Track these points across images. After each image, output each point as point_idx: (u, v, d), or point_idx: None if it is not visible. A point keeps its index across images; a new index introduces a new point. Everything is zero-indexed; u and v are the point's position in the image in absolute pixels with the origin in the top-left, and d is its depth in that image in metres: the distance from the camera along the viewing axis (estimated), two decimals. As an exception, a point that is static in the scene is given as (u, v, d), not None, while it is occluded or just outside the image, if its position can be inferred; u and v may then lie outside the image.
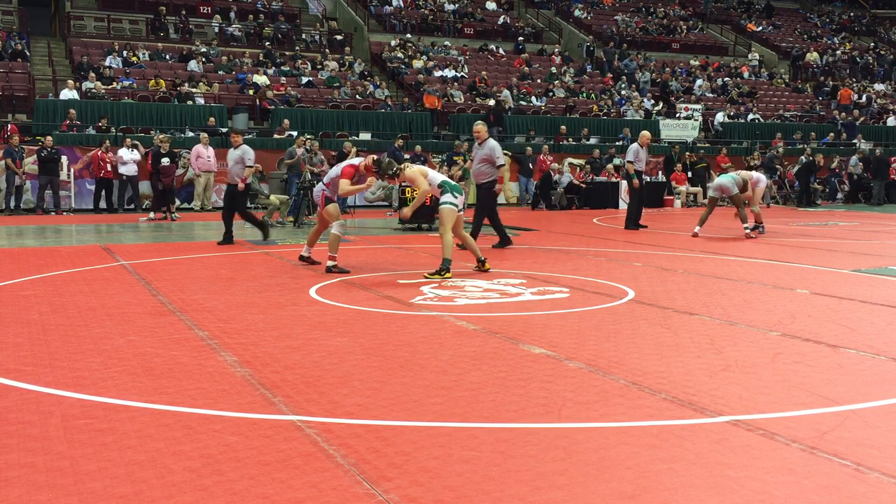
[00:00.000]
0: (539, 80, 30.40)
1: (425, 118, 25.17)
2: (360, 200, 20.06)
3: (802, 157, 24.40)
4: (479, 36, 33.70)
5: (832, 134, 29.90)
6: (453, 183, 9.70)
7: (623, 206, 22.57)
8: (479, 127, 12.53)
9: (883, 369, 5.41)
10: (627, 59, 33.01)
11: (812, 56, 37.82)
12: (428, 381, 5.04)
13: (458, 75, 28.85)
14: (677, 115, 29.44)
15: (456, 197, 9.46)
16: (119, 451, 3.80)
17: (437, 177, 9.70)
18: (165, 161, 17.46)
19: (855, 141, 29.54)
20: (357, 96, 25.78)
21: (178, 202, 19.05)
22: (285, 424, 4.22)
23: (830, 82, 36.01)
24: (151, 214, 17.80)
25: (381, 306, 7.53)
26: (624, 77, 32.00)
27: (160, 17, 28.08)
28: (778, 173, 24.91)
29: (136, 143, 19.48)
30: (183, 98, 23.11)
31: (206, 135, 19.96)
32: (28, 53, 24.93)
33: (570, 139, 25.89)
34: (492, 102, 26.77)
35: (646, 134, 16.19)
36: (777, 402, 4.63)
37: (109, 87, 23.01)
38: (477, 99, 27.23)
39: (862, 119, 32.00)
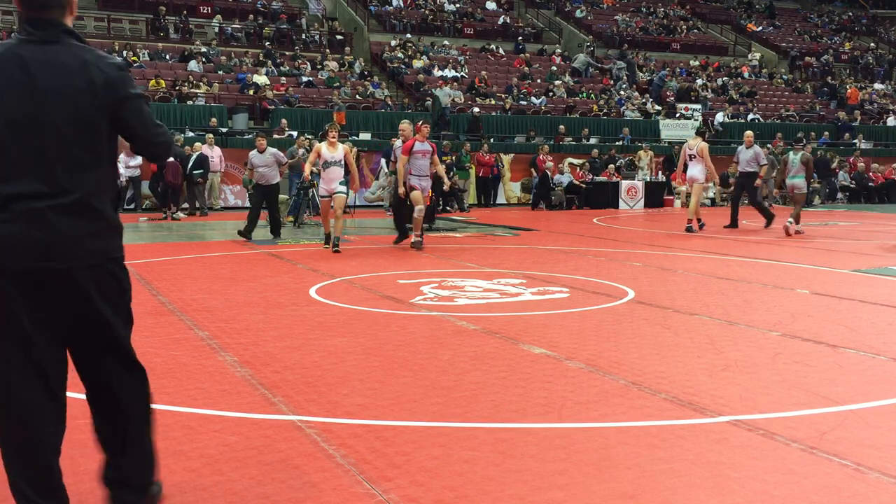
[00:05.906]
0: (539, 80, 30.38)
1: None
2: (360, 200, 20.05)
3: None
4: (479, 36, 33.64)
5: (827, 133, 29.87)
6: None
7: (623, 206, 22.61)
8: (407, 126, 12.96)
9: (883, 369, 5.41)
10: (623, 62, 32.94)
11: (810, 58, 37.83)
12: (428, 381, 5.04)
13: (458, 75, 28.83)
14: (677, 115, 29.43)
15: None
16: (119, 451, 3.79)
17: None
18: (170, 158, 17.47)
19: (855, 141, 29.53)
20: (357, 96, 25.77)
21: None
22: (285, 424, 4.22)
23: (830, 82, 35.98)
24: (164, 214, 17.84)
25: (381, 306, 7.53)
26: (625, 77, 31.97)
27: (160, 17, 28.05)
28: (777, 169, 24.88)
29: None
30: (183, 98, 23.09)
31: (211, 135, 19.94)
32: (28, 53, 24.88)
33: (570, 139, 25.88)
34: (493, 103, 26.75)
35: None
36: (777, 402, 4.63)
37: (109, 87, 22.95)
38: (477, 99, 27.21)
39: (861, 118, 31.99)
